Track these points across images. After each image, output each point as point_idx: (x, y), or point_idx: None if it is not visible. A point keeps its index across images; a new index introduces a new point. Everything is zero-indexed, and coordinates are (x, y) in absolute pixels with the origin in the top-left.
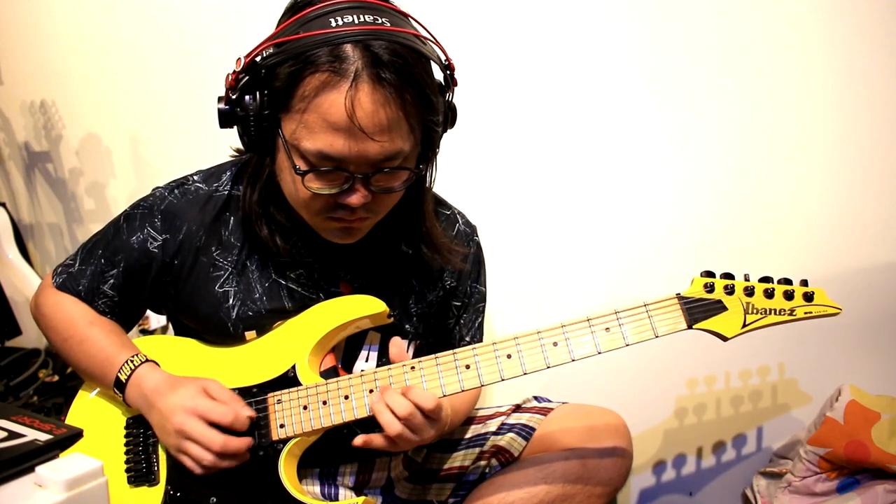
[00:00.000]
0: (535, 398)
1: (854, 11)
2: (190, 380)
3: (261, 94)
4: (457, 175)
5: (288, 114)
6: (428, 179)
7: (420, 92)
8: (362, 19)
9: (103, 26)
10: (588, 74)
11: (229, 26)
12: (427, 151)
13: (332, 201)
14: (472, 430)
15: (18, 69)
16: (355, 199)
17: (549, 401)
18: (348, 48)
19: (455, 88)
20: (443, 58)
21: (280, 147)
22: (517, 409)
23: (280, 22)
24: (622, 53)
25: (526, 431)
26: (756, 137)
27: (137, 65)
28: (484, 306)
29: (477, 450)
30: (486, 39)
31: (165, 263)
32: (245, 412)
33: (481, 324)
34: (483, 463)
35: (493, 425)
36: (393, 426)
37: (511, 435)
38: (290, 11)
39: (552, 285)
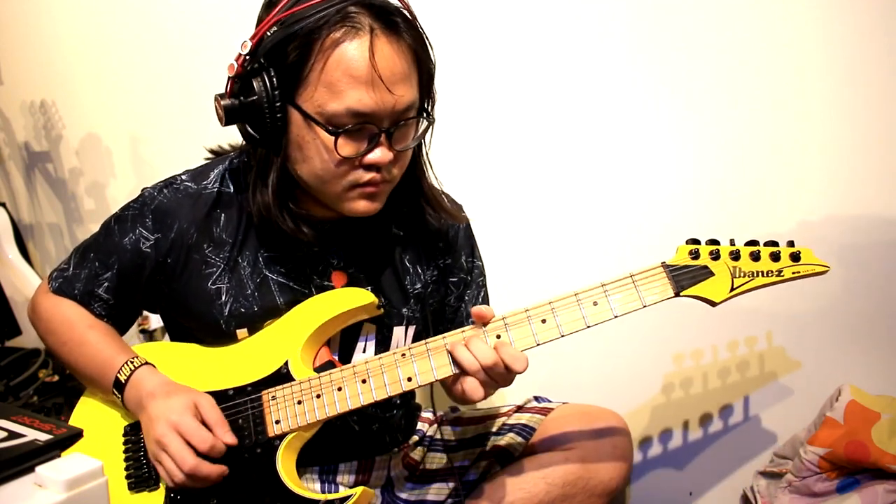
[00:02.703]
0: (536, 398)
1: (853, 10)
2: (185, 391)
3: (268, 75)
4: (458, 172)
5: (305, 84)
6: (428, 137)
7: (426, 41)
8: None
9: (103, 26)
10: (587, 73)
11: (229, 26)
12: (425, 101)
13: (359, 166)
14: (473, 431)
15: (18, 69)
16: (382, 154)
17: (550, 401)
18: (353, 8)
19: None
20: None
21: (298, 126)
22: (518, 409)
23: (261, 16)
24: (621, 52)
25: (526, 431)
26: (755, 136)
27: (137, 65)
28: (484, 280)
29: (477, 450)
30: (486, 38)
31: (159, 262)
32: (227, 438)
33: (486, 296)
34: (483, 463)
35: (493, 426)
36: (473, 366)
37: (511, 435)
38: (269, 3)
39: (550, 284)
